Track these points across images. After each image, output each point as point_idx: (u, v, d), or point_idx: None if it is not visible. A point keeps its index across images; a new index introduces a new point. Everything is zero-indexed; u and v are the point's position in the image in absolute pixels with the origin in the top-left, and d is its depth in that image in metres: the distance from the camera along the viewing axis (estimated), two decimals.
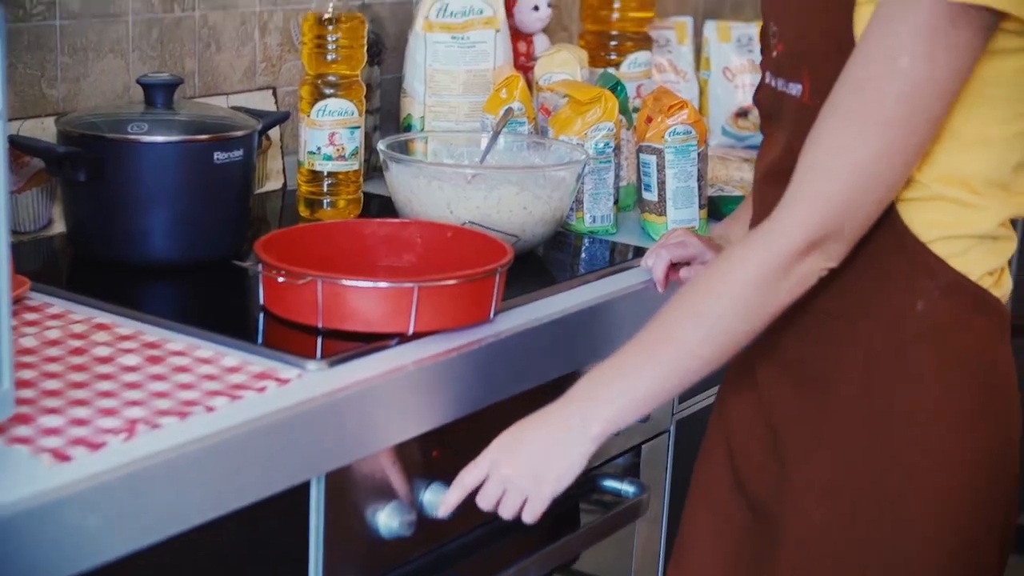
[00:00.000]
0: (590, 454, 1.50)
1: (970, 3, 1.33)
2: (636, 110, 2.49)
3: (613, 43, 2.60)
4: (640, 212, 2.18)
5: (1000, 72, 1.43)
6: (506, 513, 1.52)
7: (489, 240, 1.79)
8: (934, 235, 1.48)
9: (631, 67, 2.59)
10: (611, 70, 2.53)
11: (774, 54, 1.59)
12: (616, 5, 2.58)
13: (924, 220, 1.48)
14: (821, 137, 1.42)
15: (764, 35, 1.67)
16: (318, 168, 2.13)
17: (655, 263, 1.89)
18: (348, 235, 1.84)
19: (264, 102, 2.31)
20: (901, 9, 1.37)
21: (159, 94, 1.91)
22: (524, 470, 1.50)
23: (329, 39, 2.09)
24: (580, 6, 2.67)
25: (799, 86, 1.53)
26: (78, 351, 1.52)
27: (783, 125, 1.57)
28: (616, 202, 2.19)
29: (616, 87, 2.23)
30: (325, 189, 2.14)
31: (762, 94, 1.66)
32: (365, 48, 2.14)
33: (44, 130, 1.96)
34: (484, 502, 1.52)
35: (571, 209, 2.11)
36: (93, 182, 1.82)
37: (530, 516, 1.51)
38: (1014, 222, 1.55)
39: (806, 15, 1.52)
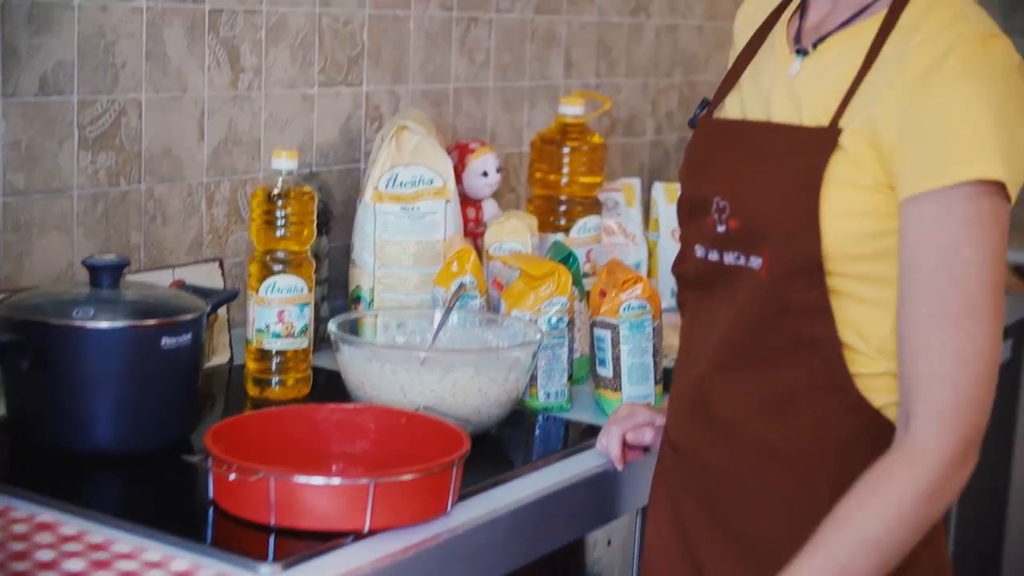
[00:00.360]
0: None
1: (991, 179, 1.38)
2: (587, 276, 2.49)
3: (562, 208, 2.61)
4: (594, 387, 2.16)
5: None
6: None
7: (444, 427, 1.76)
8: (884, 401, 1.51)
9: (581, 232, 2.59)
10: (561, 236, 2.54)
11: (721, 228, 1.57)
12: (565, 171, 2.59)
13: (873, 387, 1.50)
14: (931, 346, 1.41)
15: (694, 208, 1.64)
16: (267, 347, 2.09)
17: (609, 442, 1.87)
18: (300, 422, 1.81)
19: (211, 275, 2.28)
20: (945, 204, 1.40)
21: (105, 276, 1.87)
22: None
23: (278, 215, 2.06)
24: (529, 171, 2.67)
25: (759, 260, 1.52)
26: (20, 555, 1.46)
27: (728, 297, 1.56)
28: (570, 377, 2.17)
29: (568, 259, 2.23)
30: (274, 368, 2.10)
31: (690, 266, 1.64)
32: (315, 223, 2.12)
33: None
34: None
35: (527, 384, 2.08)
36: (36, 369, 1.78)
37: None
38: None
39: (767, 193, 1.52)
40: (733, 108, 1.66)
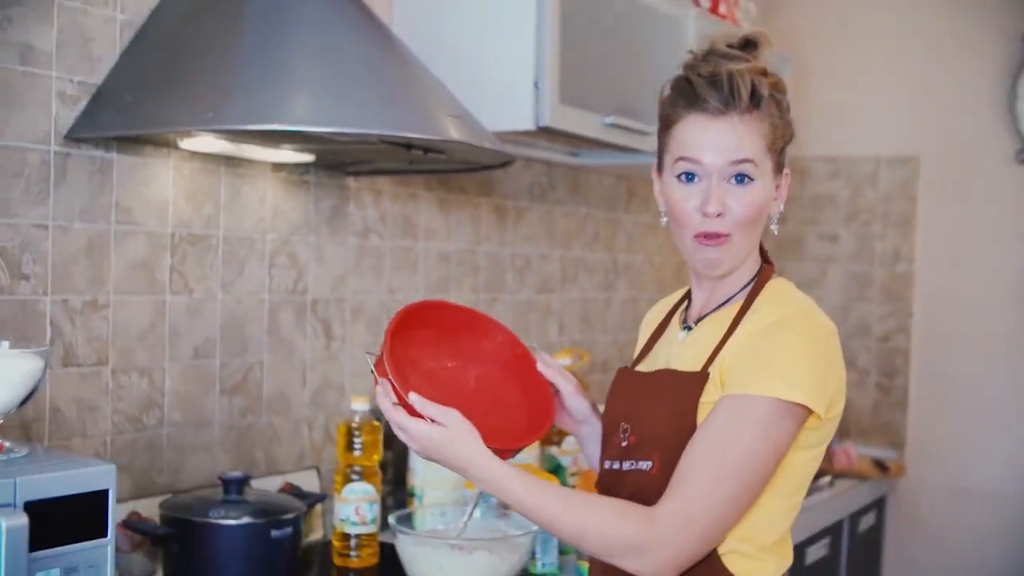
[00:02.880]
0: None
1: (793, 401, 1.37)
2: (573, 474, 2.47)
3: (555, 429, 2.58)
4: (577, 558, 2.11)
5: (788, 461, 1.44)
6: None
7: None
8: (742, 568, 1.45)
9: (570, 445, 2.55)
10: (554, 450, 2.52)
11: (624, 444, 1.53)
12: None
13: (733, 565, 1.45)
14: (691, 481, 1.38)
15: (607, 432, 1.59)
16: (347, 531, 2.07)
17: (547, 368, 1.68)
18: None
19: (310, 479, 2.27)
20: (749, 404, 1.39)
21: (233, 486, 1.88)
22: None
23: (355, 441, 2.07)
24: None
25: (649, 463, 1.49)
26: None
27: (624, 491, 1.50)
28: (561, 551, 2.13)
29: (557, 468, 2.22)
30: (352, 545, 2.08)
31: (602, 476, 1.58)
32: (382, 445, 2.13)
33: (153, 506, 1.91)
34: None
35: (529, 559, 2.04)
36: (184, 551, 1.77)
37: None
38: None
39: (658, 411, 1.50)
40: (643, 369, 1.63)
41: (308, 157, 2.13)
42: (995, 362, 3.47)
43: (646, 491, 1.47)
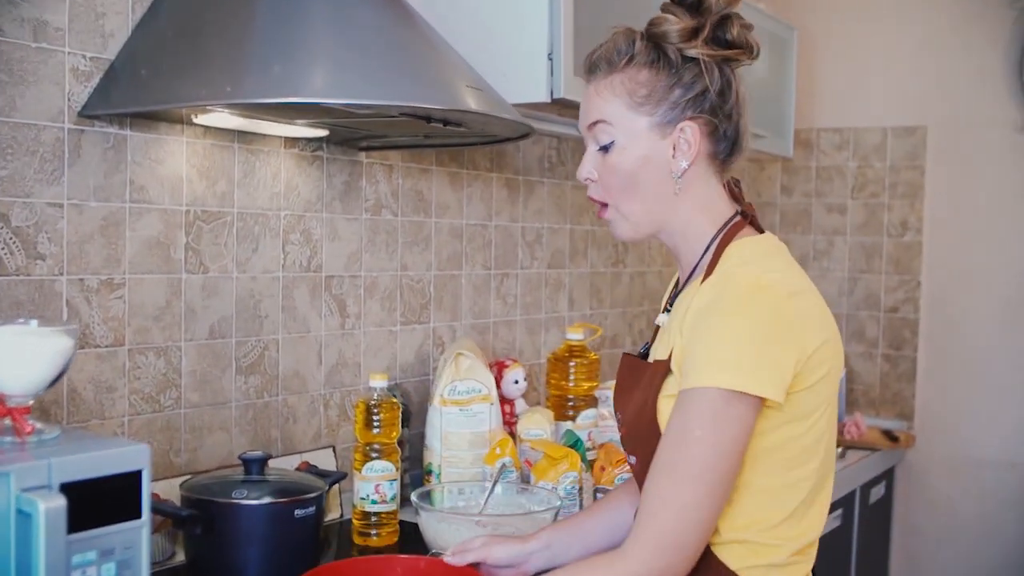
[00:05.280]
0: None
1: (734, 390, 1.32)
2: (590, 449, 2.46)
3: (571, 403, 2.58)
4: None
5: (772, 441, 1.40)
6: None
7: (463, 570, 1.67)
8: (740, 565, 1.42)
9: (584, 420, 2.56)
10: (570, 424, 2.51)
11: (621, 433, 1.55)
12: (571, 378, 2.57)
13: (731, 554, 1.42)
14: (650, 492, 1.35)
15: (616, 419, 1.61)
16: (367, 509, 2.06)
17: (463, 557, 1.60)
18: (373, 567, 1.74)
19: (326, 458, 2.25)
20: (692, 398, 1.34)
21: (254, 466, 1.85)
22: None
23: (374, 419, 2.05)
24: (546, 378, 2.66)
25: (634, 458, 1.49)
26: None
27: (636, 487, 1.50)
28: None
29: (576, 443, 2.20)
30: (372, 523, 2.06)
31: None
32: (400, 423, 2.11)
33: (171, 487, 1.89)
34: None
35: None
36: (206, 533, 1.75)
37: None
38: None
39: (636, 409, 1.48)
40: (653, 351, 1.58)
41: (322, 132, 2.09)
42: (1003, 332, 3.46)
43: (638, 483, 1.46)
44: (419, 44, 1.81)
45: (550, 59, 2.20)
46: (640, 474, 1.44)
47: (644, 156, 1.45)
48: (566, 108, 2.35)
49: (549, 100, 2.21)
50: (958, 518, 3.54)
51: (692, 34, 1.44)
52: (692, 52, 1.44)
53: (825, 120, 3.74)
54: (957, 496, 3.54)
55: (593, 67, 1.48)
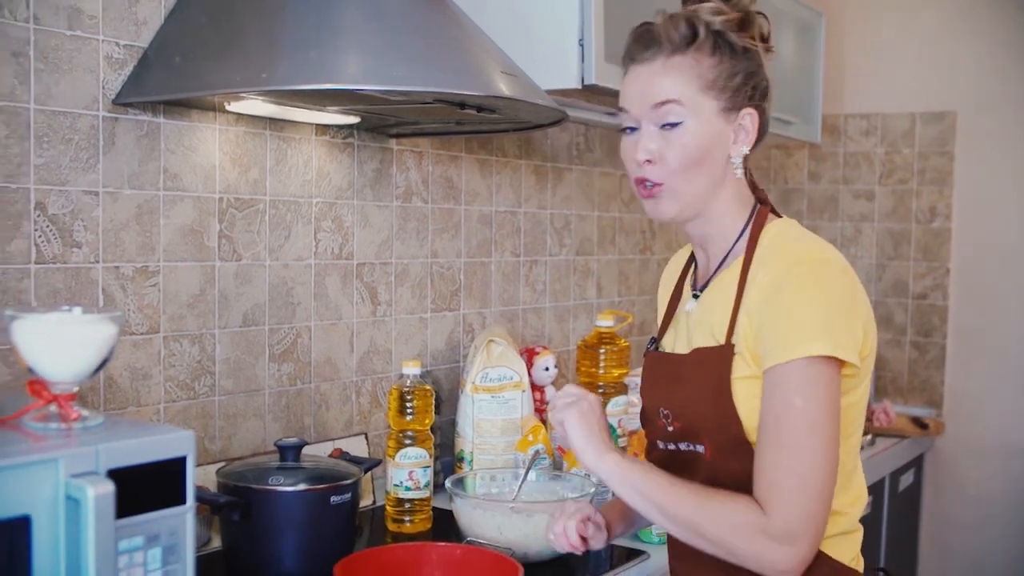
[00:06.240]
0: (586, 462, 1.46)
1: (824, 355, 1.34)
2: (620, 437, 2.45)
3: (600, 390, 2.56)
4: None
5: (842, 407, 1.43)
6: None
7: (499, 558, 1.71)
8: (828, 533, 1.43)
9: (614, 407, 2.55)
10: None
11: (670, 429, 1.52)
12: (601, 365, 2.56)
13: None
14: (777, 463, 1.35)
15: (648, 416, 1.59)
16: (401, 496, 2.06)
17: (567, 532, 1.58)
18: (409, 554, 1.77)
19: (359, 444, 2.26)
20: (785, 373, 1.36)
21: (290, 453, 1.85)
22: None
23: (407, 406, 2.05)
24: (576, 365, 2.65)
25: (701, 447, 1.48)
26: None
27: (693, 475, 1.48)
28: None
29: (610, 431, 2.19)
30: (405, 509, 2.07)
31: (657, 454, 1.58)
32: (433, 410, 2.10)
33: (207, 474, 1.90)
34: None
35: None
36: (243, 519, 1.76)
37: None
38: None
39: (696, 397, 1.48)
40: (667, 343, 1.62)
41: (353, 119, 2.09)
42: None
43: (708, 472, 1.46)
44: (452, 30, 1.80)
45: (581, 45, 2.19)
46: (710, 464, 1.45)
47: (711, 139, 1.47)
48: (595, 94, 2.34)
49: (580, 86, 2.20)
50: (987, 505, 3.52)
51: (743, 25, 1.48)
52: (747, 43, 1.47)
53: (853, 106, 3.71)
54: (986, 483, 3.52)
55: (650, 46, 1.47)
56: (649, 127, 1.47)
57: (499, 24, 2.18)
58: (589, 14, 2.18)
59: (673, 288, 1.65)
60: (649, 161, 1.47)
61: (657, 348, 1.63)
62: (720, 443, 1.44)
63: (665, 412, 1.53)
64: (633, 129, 1.50)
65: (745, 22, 1.48)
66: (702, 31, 1.45)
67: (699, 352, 1.49)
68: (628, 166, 1.51)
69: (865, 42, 3.67)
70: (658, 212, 1.50)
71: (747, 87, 1.48)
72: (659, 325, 1.67)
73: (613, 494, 1.54)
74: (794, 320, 1.37)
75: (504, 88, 1.76)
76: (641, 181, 1.49)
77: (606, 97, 2.40)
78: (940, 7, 3.56)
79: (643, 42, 1.47)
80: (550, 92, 2.21)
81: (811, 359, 1.35)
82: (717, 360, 1.44)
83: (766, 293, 1.41)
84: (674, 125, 1.45)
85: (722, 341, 1.45)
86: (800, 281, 1.39)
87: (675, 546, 1.57)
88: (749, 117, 1.48)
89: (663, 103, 1.45)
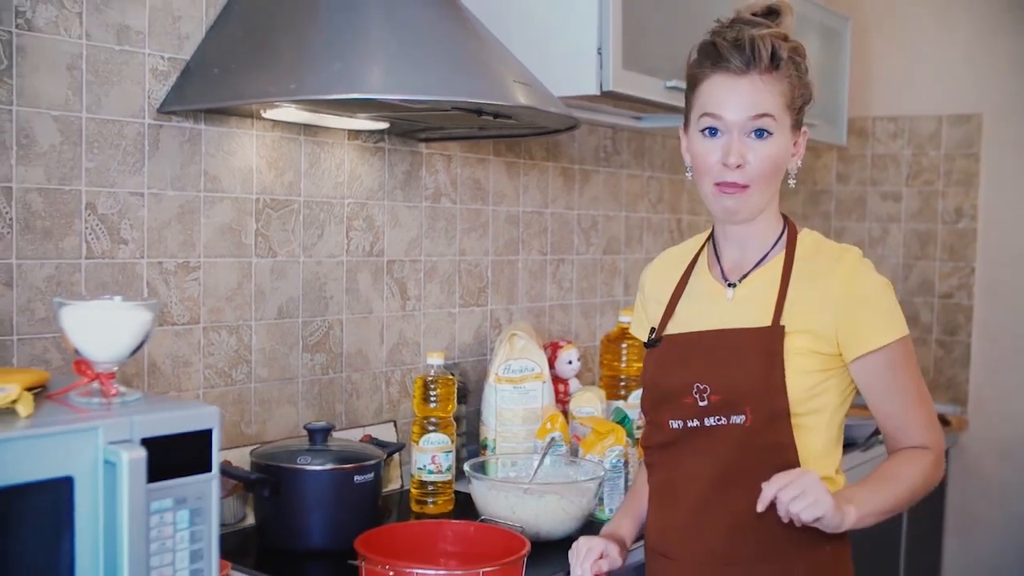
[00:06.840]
0: (841, 525, 1.49)
1: (906, 333, 1.60)
2: (639, 428, 2.54)
3: (623, 383, 2.65)
4: None
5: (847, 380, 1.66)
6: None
7: (508, 535, 1.82)
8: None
9: (635, 399, 2.63)
10: (620, 403, 2.59)
11: (703, 404, 1.60)
12: (624, 359, 2.65)
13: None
14: (914, 419, 1.61)
15: (669, 395, 1.64)
16: (424, 479, 2.18)
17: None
18: (426, 530, 1.88)
19: (388, 431, 2.38)
20: (887, 353, 1.58)
21: (318, 436, 1.98)
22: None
23: (431, 393, 2.17)
24: (600, 359, 2.75)
25: (741, 416, 1.57)
26: None
27: (709, 448, 1.59)
28: None
29: (624, 420, 2.29)
30: (428, 491, 2.19)
31: (664, 435, 1.65)
32: (456, 398, 2.22)
33: (242, 455, 2.04)
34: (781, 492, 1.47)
35: (596, 504, 2.13)
36: (274, 496, 1.89)
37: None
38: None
39: (742, 369, 1.59)
40: (674, 328, 1.70)
41: (382, 125, 2.22)
42: None
43: (741, 441, 1.58)
44: (470, 40, 1.93)
45: (599, 53, 2.30)
46: (750, 431, 1.58)
47: (786, 152, 1.64)
48: (618, 100, 2.44)
49: (598, 93, 2.31)
50: (1011, 502, 3.57)
51: (801, 52, 1.65)
52: (805, 66, 1.64)
53: (880, 109, 3.78)
54: (1010, 480, 3.57)
55: (747, 59, 1.58)
56: (742, 135, 1.59)
57: (521, 34, 2.30)
58: (607, 23, 2.29)
59: (676, 283, 1.76)
60: (740, 166, 1.59)
61: (660, 337, 1.72)
62: (763, 413, 1.57)
63: (702, 387, 1.61)
64: (713, 132, 1.61)
65: (800, 49, 1.64)
66: (783, 53, 1.59)
67: (747, 331, 1.61)
68: (705, 164, 1.62)
69: (891, 45, 3.74)
70: (736, 210, 1.63)
71: (805, 107, 1.65)
72: (659, 317, 1.75)
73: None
74: (879, 309, 1.59)
75: (518, 96, 1.88)
76: (725, 183, 1.60)
77: (627, 103, 2.51)
78: (966, 10, 3.62)
79: (741, 54, 1.58)
80: (573, 98, 2.33)
81: (902, 338, 1.59)
82: (767, 339, 1.58)
83: (842, 287, 1.59)
84: (765, 136, 1.59)
85: (768, 323, 1.60)
86: (865, 276, 1.60)
87: (670, 548, 1.67)
88: (803, 136, 1.67)
89: (761, 115, 1.59)
